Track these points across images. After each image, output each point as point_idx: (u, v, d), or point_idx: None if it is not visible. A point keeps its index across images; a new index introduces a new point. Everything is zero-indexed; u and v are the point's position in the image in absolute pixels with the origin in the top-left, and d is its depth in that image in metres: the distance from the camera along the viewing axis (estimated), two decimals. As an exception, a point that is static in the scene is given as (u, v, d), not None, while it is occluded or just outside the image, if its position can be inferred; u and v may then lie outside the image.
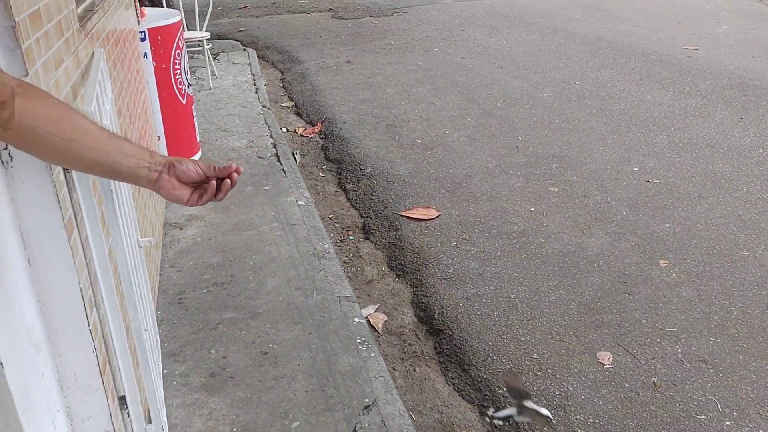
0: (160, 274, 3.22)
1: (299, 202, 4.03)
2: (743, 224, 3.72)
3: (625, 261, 3.43)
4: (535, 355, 2.78)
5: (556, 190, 4.28)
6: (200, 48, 6.69)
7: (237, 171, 1.28)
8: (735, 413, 2.43)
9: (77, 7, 2.09)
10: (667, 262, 3.41)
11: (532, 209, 4.04)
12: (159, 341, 2.48)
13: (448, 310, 3.13)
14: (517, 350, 2.82)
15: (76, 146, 1.05)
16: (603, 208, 4.00)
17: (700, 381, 2.59)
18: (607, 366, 2.70)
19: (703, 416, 2.42)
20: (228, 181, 1.27)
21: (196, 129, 4.43)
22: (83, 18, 2.11)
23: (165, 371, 2.50)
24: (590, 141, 5.04)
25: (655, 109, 5.69)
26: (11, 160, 1.36)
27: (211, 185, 1.25)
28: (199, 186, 1.26)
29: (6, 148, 1.34)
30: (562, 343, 2.85)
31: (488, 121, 5.61)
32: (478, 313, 3.09)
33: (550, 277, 3.33)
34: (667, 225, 3.77)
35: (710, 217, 3.84)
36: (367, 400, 2.38)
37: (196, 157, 4.47)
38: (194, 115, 4.39)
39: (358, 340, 2.73)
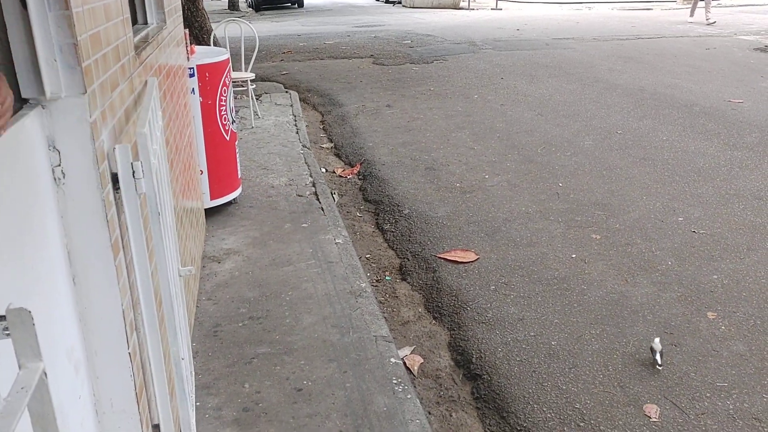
0: (197, 306, 3.21)
1: (337, 240, 4.01)
2: (796, 278, 3.58)
3: (671, 312, 3.31)
4: (578, 405, 2.67)
5: (598, 237, 4.19)
6: (244, 88, 6.84)
7: None
8: (794, 477, 2.28)
9: (134, 37, 2.14)
10: (715, 314, 3.28)
11: (574, 256, 3.95)
12: (193, 373, 2.44)
13: (486, 355, 3.04)
14: (559, 399, 2.71)
15: None
16: (647, 257, 3.89)
17: (754, 440, 2.44)
18: (654, 419, 2.57)
19: (759, 478, 2.28)
20: None
21: (238, 165, 4.48)
22: (138, 47, 2.16)
23: (198, 403, 2.46)
24: (633, 189, 4.95)
25: (699, 160, 5.58)
26: (63, 177, 1.36)
27: None
28: None
29: (59, 165, 1.35)
30: (606, 393, 2.73)
31: (528, 167, 5.57)
32: (518, 359, 3.00)
33: (593, 325, 3.22)
34: (715, 276, 3.64)
35: (760, 270, 3.70)
36: (402, 443, 2.30)
37: (236, 193, 4.51)
38: (237, 151, 4.45)
39: (395, 381, 2.66)
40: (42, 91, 1.27)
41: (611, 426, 2.55)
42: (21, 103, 1.30)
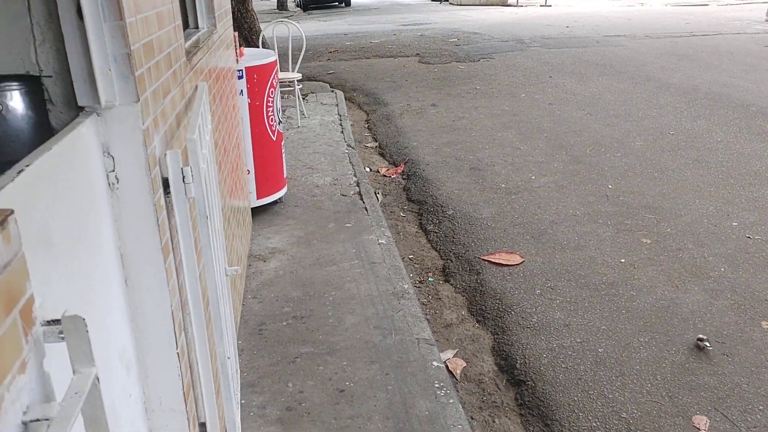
0: (243, 304, 3.27)
1: (380, 241, 4.02)
2: None
3: (723, 320, 3.21)
4: (624, 415, 2.62)
5: (648, 241, 4.09)
6: (291, 88, 6.92)
7: None
8: None
9: (185, 42, 2.19)
10: (771, 324, 3.17)
11: (623, 260, 3.87)
12: (239, 371, 2.49)
13: (530, 361, 3.01)
14: (605, 408, 2.66)
15: None
16: (699, 262, 3.79)
17: (811, 457, 2.35)
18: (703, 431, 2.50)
19: (815, 497, 2.19)
20: None
21: (284, 165, 4.53)
22: (189, 53, 2.20)
23: (243, 401, 2.50)
24: (685, 192, 4.82)
25: (755, 162, 5.40)
26: (117, 182, 1.40)
27: None
28: None
29: (113, 170, 1.39)
30: (654, 403, 2.67)
31: (576, 168, 5.48)
32: (563, 365, 2.96)
33: (642, 333, 3.15)
34: (771, 284, 3.52)
35: (820, 278, 3.56)
36: (444, 448, 2.30)
37: (282, 192, 4.56)
38: (283, 151, 4.50)
39: (437, 385, 2.65)
40: (97, 100, 1.31)
41: (659, 437, 2.49)
42: (77, 111, 1.34)
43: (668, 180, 5.09)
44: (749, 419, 2.56)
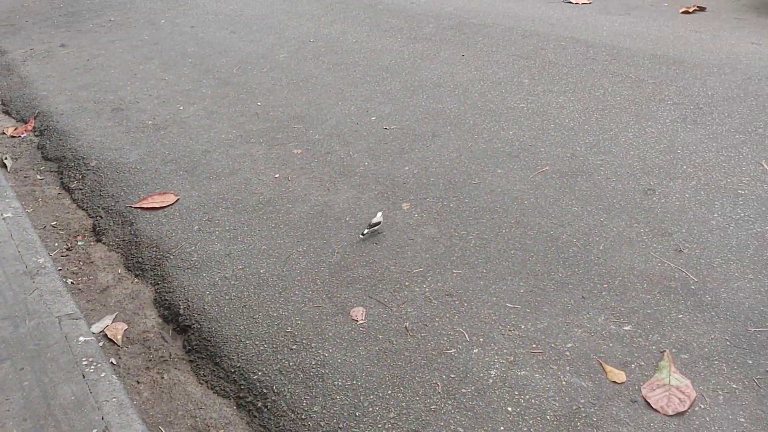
0: None
1: (5, 215, 3.43)
2: (473, 155, 3.90)
3: (371, 211, 3.40)
4: (289, 329, 2.63)
5: (299, 151, 4.14)
6: None
7: None
8: (481, 339, 2.50)
9: None
10: (409, 204, 3.45)
11: (277, 175, 3.86)
12: None
13: (194, 302, 2.86)
14: (270, 328, 2.65)
15: None
16: (346, 162, 3.95)
17: (447, 315, 2.63)
18: (361, 322, 2.64)
19: (453, 350, 2.46)
20: None
21: None
22: None
23: None
24: (329, 97, 4.98)
25: (386, 57, 5.79)
26: None
27: None
28: None
29: None
30: (316, 309, 2.73)
31: (225, 90, 5.30)
32: (227, 297, 2.86)
33: (299, 243, 3.19)
34: (407, 168, 3.82)
35: (444, 153, 3.96)
36: (95, 430, 2.05)
37: None
38: None
39: (84, 363, 2.36)
40: None
41: (322, 340, 2.56)
42: None
43: (312, 88, 5.19)
44: (398, 297, 2.76)
